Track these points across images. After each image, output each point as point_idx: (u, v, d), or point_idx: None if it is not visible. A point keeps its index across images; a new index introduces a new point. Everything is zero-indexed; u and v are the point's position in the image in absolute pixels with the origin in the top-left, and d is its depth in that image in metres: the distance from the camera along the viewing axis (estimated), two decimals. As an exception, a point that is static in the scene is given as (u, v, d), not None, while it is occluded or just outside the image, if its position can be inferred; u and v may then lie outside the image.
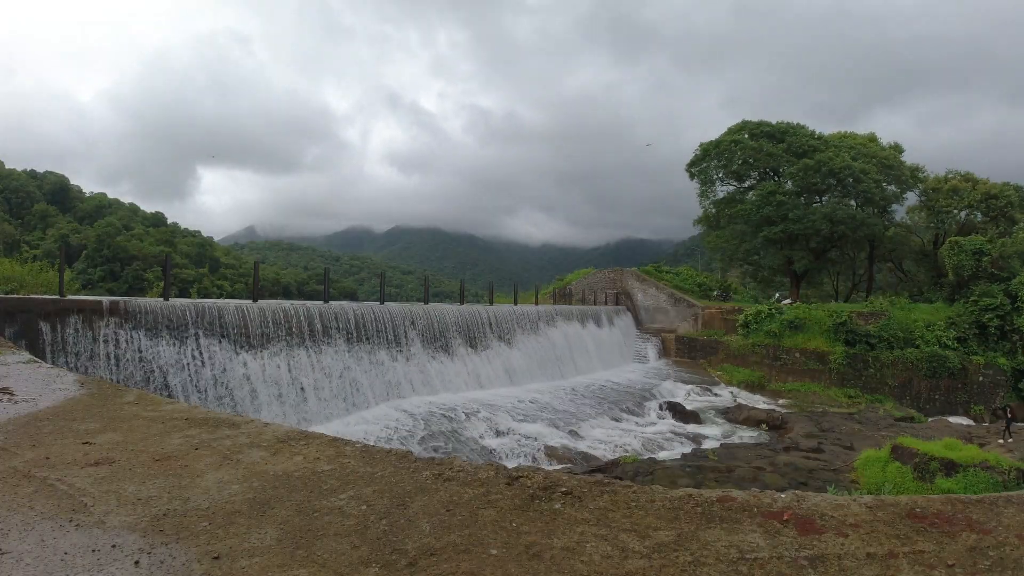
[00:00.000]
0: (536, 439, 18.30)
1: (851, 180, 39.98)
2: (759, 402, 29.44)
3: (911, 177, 43.52)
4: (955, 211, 43.03)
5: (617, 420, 22.79)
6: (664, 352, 39.34)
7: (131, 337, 14.09)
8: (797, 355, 33.26)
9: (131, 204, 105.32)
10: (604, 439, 19.80)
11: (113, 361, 13.64)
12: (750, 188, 45.46)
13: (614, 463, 16.45)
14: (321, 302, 20.68)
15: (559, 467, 15.78)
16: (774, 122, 44.72)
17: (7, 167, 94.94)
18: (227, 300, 19.75)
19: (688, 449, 19.34)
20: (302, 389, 17.15)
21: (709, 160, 45.46)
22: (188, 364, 14.91)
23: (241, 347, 16.24)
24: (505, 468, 4.30)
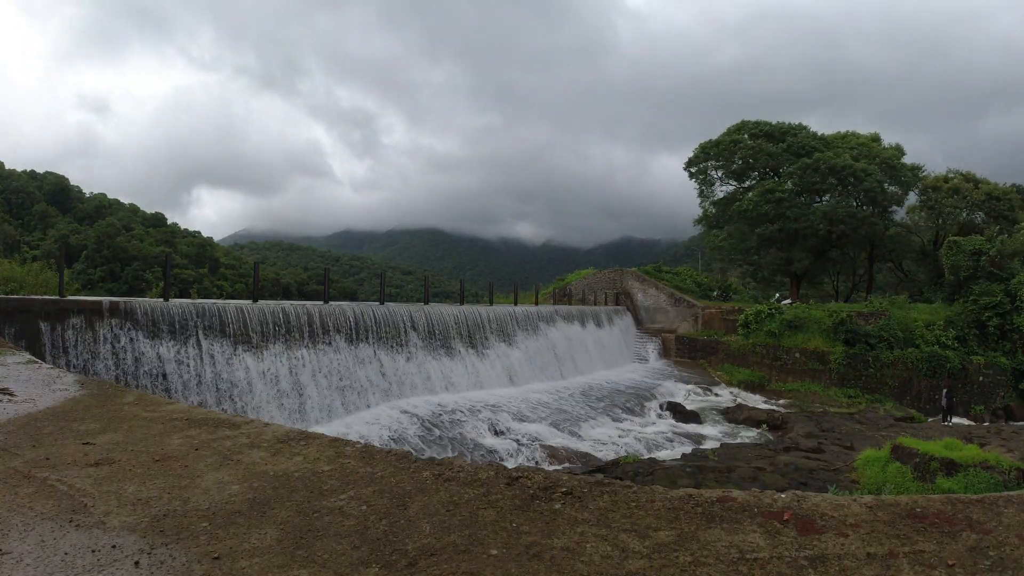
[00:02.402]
0: (536, 439, 18.30)
1: (852, 180, 39.94)
2: (759, 402, 29.44)
3: (912, 176, 43.56)
4: (957, 210, 43.04)
5: (617, 420, 22.78)
6: (664, 352, 39.34)
7: (131, 338, 14.09)
8: (797, 355, 33.25)
9: (131, 204, 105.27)
10: (604, 439, 19.79)
11: (113, 361, 13.63)
12: (750, 188, 45.51)
13: (614, 463, 16.44)
14: (321, 302, 20.68)
15: (559, 467, 15.79)
16: (774, 122, 44.74)
17: (7, 167, 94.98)
18: (227, 300, 19.75)
19: (688, 449, 19.33)
20: (302, 389, 17.15)
21: (708, 160, 45.46)
22: (188, 364, 14.91)
23: (241, 347, 16.24)
24: (505, 468, 4.30)
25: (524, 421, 19.96)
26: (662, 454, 18.66)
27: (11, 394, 6.85)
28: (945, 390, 26.75)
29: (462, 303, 29.30)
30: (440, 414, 18.70)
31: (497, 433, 18.48)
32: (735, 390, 31.65)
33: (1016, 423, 27.81)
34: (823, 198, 42.39)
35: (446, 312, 24.63)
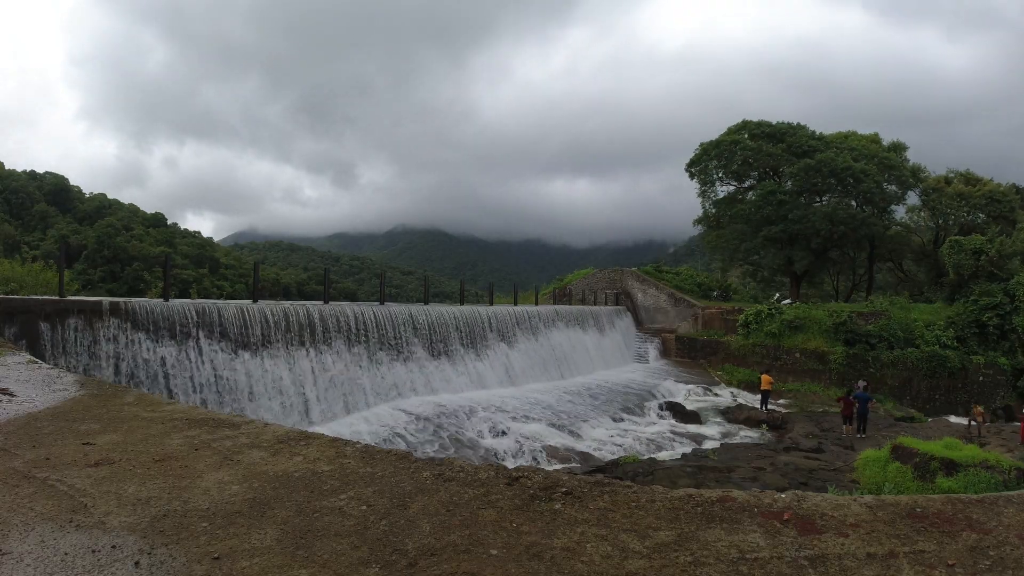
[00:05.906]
0: (536, 439, 18.30)
1: (851, 180, 39.97)
2: (759, 402, 29.42)
3: (912, 177, 43.54)
4: (958, 212, 43.03)
5: (617, 420, 22.77)
6: (664, 352, 39.33)
7: (131, 338, 14.09)
8: (797, 355, 33.23)
9: (131, 205, 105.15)
10: (604, 439, 19.79)
11: (113, 362, 13.63)
12: (750, 188, 45.49)
13: (614, 463, 16.44)
14: (321, 303, 20.68)
15: (559, 467, 15.77)
16: (774, 122, 44.73)
17: (7, 167, 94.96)
18: (227, 301, 19.75)
19: (688, 449, 19.33)
20: (302, 389, 17.15)
21: (709, 160, 45.45)
22: (188, 365, 14.91)
23: (241, 348, 16.23)
24: (505, 468, 4.30)
25: (524, 421, 19.95)
26: (662, 454, 18.65)
27: (11, 394, 6.86)
28: (863, 384, 24.35)
29: (462, 303, 29.29)
30: (440, 414, 18.68)
31: (497, 433, 18.47)
32: (735, 390, 31.64)
33: (1016, 423, 27.78)
34: (823, 198, 42.41)
35: (446, 312, 24.62)
